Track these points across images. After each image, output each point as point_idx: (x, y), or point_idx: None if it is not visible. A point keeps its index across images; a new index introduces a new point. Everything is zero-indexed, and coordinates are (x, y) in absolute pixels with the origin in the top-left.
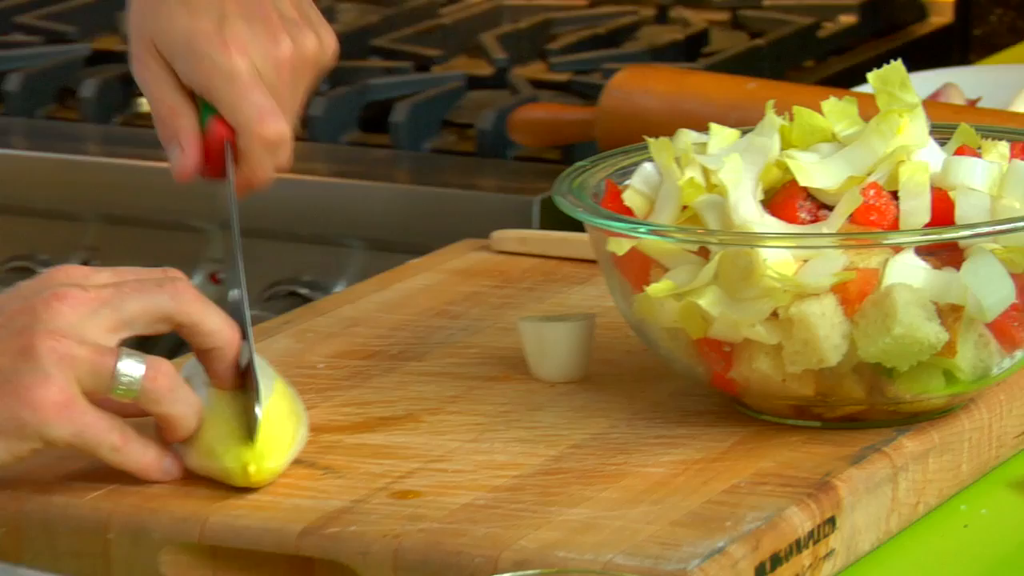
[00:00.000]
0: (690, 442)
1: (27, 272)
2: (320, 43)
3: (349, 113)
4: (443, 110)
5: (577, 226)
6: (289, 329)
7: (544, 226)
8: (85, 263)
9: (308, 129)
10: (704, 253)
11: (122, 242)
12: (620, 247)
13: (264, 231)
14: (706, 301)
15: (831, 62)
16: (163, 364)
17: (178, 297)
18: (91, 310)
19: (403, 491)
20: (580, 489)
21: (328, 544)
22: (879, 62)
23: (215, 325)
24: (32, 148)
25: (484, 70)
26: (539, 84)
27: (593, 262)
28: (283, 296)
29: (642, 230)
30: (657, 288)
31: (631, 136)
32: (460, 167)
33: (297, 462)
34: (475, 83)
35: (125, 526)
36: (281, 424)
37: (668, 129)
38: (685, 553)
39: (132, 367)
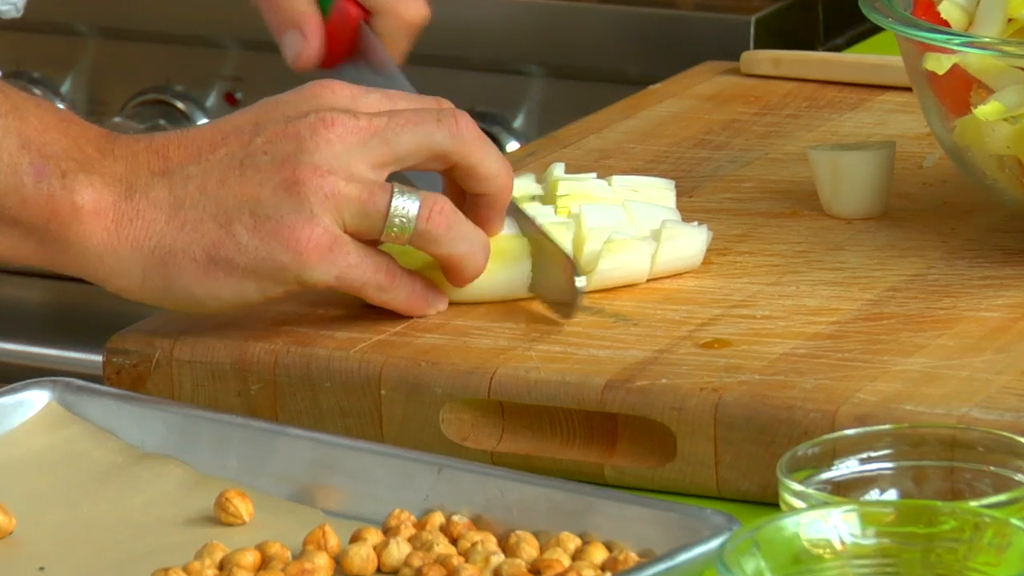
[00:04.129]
0: (1022, 283)
1: (162, 105)
2: None
3: None
4: None
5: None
6: (533, 162)
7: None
8: (229, 95)
9: None
10: None
11: (267, 72)
12: (940, 65)
13: (432, 58)
14: None
15: None
16: (439, 200)
17: (459, 135)
18: (361, 141)
19: (710, 340)
20: (910, 336)
21: (637, 398)
22: None
23: (493, 169)
24: None
25: None
26: None
27: (860, 85)
28: None
29: (964, 43)
30: (988, 110)
31: None
32: None
33: (582, 308)
34: None
35: (400, 381)
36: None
37: None
38: None
39: (406, 205)
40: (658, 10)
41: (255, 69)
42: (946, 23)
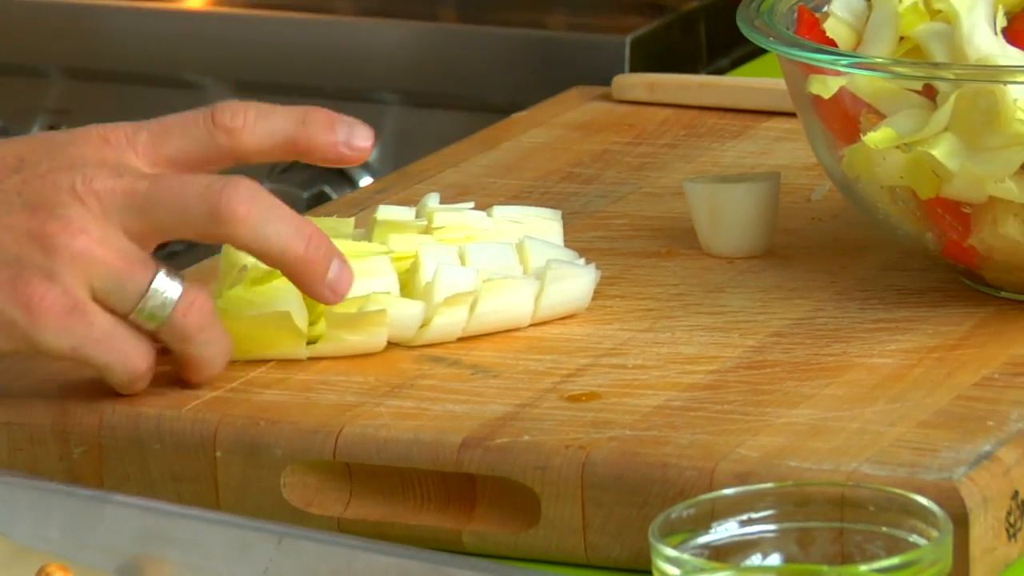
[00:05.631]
0: (917, 326)
1: None
2: None
3: None
4: None
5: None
6: (384, 199)
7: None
8: (52, 128)
9: None
10: (930, 93)
11: (97, 102)
12: (826, 88)
13: (278, 85)
14: (941, 152)
15: None
16: (200, 295)
17: (227, 217)
18: (119, 204)
19: (577, 393)
20: (796, 385)
21: (496, 457)
22: None
23: (277, 246)
24: None
25: None
26: None
27: (743, 111)
28: (305, 166)
29: (853, 64)
30: (878, 137)
31: None
32: (528, 2)
33: (436, 360)
34: None
35: (237, 442)
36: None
37: None
38: (946, 460)
39: (167, 290)
40: (525, 31)
41: (82, 100)
42: (832, 42)
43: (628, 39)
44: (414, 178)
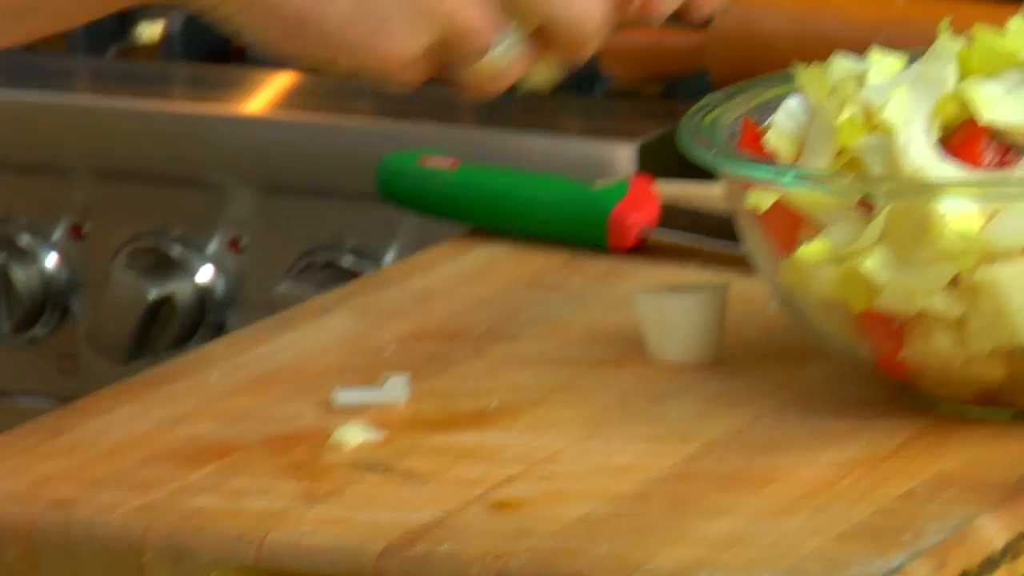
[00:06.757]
0: (852, 438)
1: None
2: None
3: None
4: None
5: (694, 175)
6: (349, 304)
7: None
8: (76, 227)
9: None
10: (867, 206)
11: (120, 202)
12: (763, 201)
13: (294, 187)
14: (872, 265)
15: None
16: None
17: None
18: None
19: (503, 501)
20: (721, 496)
21: (415, 567)
22: None
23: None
24: (6, 86)
25: None
26: None
27: None
28: (320, 268)
29: (788, 178)
30: (810, 250)
31: (751, 65)
32: (541, 106)
33: (370, 467)
34: None
35: (164, 546)
36: None
37: (798, 55)
38: (856, 573)
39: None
40: (532, 135)
41: (107, 200)
42: (772, 156)
43: (637, 144)
44: (381, 283)
